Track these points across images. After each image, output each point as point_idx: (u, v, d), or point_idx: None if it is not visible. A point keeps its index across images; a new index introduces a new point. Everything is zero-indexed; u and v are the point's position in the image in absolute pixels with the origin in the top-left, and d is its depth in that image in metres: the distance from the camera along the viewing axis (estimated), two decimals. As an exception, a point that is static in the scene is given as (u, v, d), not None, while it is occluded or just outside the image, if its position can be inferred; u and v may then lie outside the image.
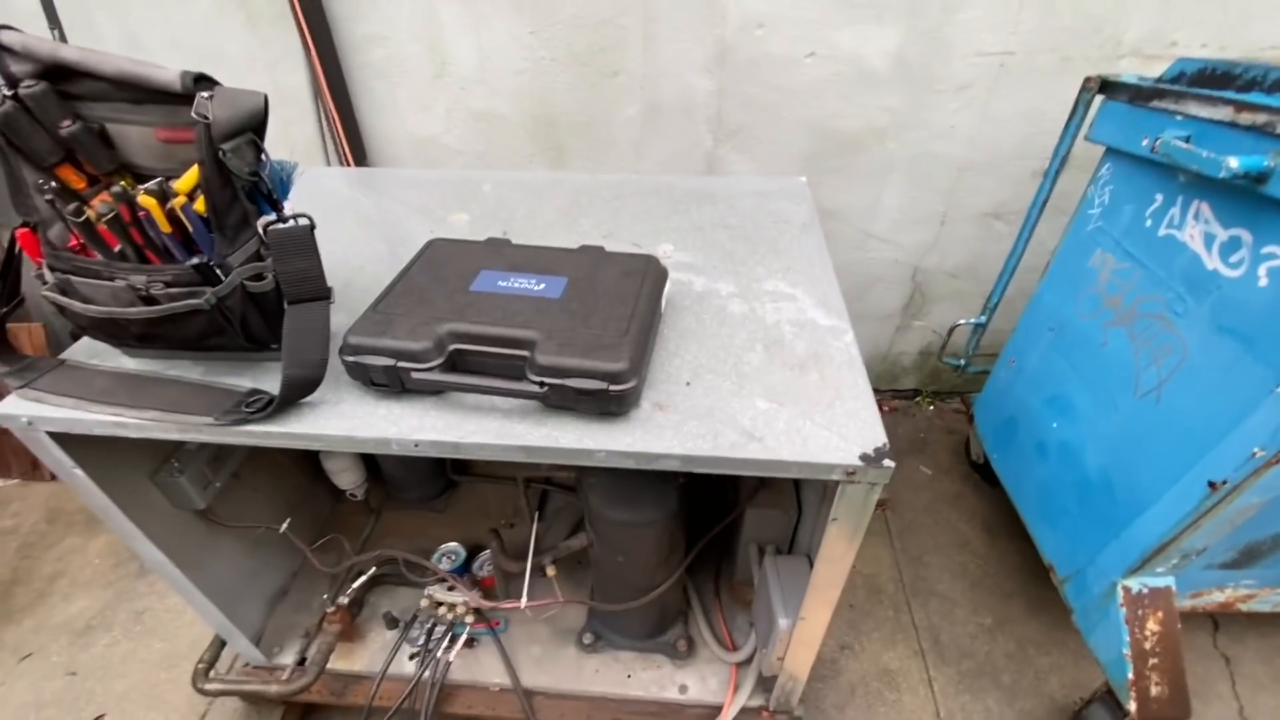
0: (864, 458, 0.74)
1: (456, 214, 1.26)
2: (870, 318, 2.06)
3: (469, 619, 1.33)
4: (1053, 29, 1.49)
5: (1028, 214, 1.51)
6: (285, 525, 1.26)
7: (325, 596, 1.34)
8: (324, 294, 0.81)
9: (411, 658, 1.31)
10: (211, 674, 1.29)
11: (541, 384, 0.76)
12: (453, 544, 1.44)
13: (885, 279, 1.96)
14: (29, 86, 0.72)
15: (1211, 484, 1.07)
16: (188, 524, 1.15)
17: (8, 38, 0.72)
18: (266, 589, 1.40)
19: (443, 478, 1.64)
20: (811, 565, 0.95)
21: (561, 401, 0.78)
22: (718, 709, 1.25)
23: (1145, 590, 1.25)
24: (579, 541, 1.19)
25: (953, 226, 1.83)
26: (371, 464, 1.57)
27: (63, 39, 1.64)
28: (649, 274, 0.91)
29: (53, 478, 2.03)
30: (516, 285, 0.89)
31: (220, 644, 1.31)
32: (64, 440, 0.87)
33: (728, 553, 1.44)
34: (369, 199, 1.34)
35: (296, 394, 0.80)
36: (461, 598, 1.31)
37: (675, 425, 0.79)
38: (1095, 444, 1.36)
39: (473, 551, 1.44)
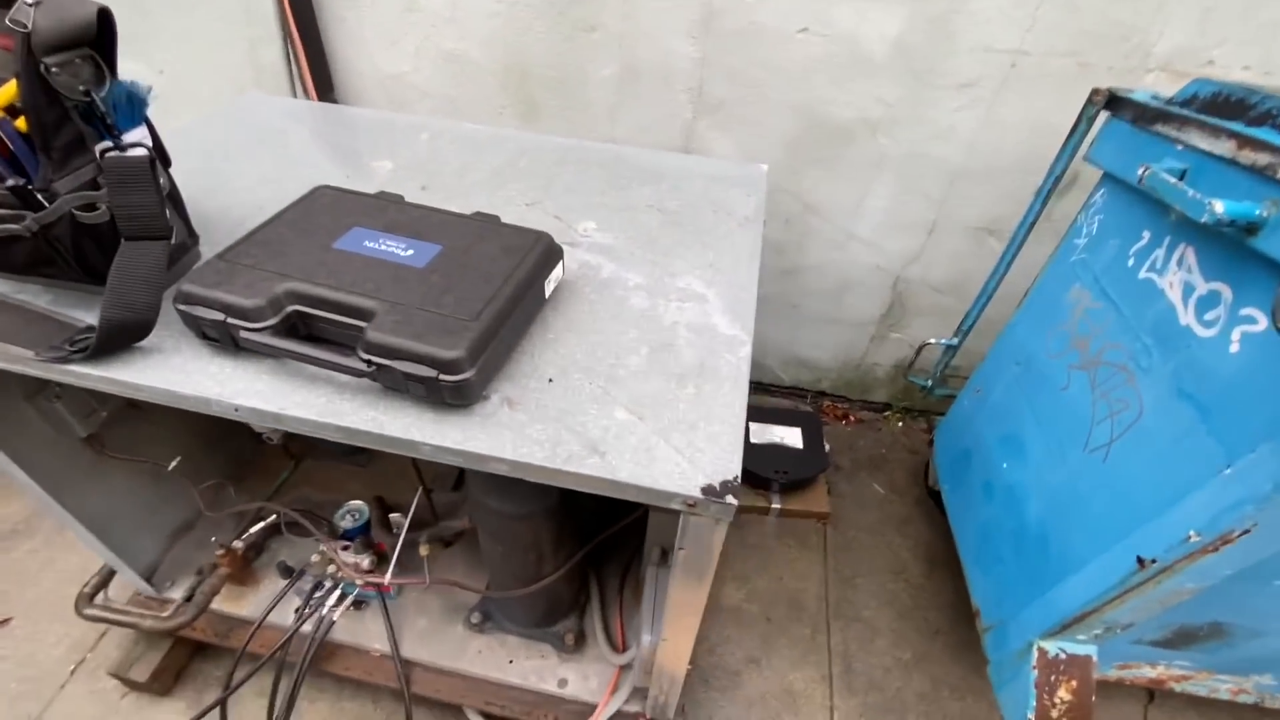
0: (706, 490, 0.66)
1: (381, 161, 1.18)
2: (845, 322, 1.94)
3: (358, 580, 1.30)
4: (1074, 31, 1.33)
5: (1015, 233, 1.38)
6: (174, 463, 1.22)
7: (215, 539, 1.31)
8: (162, 233, 0.74)
9: (296, 610, 1.29)
10: (97, 599, 1.29)
11: (369, 362, 0.70)
12: (359, 503, 1.40)
13: (865, 284, 1.84)
14: None
15: (1140, 560, 0.98)
16: (72, 451, 1.12)
17: None
18: (167, 523, 1.38)
19: (369, 432, 1.60)
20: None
21: (393, 384, 0.72)
22: (593, 708, 1.21)
23: (1062, 656, 1.17)
24: (460, 523, 1.14)
25: (941, 237, 1.70)
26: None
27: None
28: (534, 254, 0.83)
29: None
30: (383, 248, 0.81)
31: (109, 574, 1.30)
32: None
33: (639, 551, 1.39)
34: (300, 135, 1.26)
35: (117, 338, 0.74)
36: (351, 559, 1.28)
37: (518, 427, 0.72)
38: (1039, 493, 1.26)
39: (385, 512, 1.41)
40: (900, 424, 2.12)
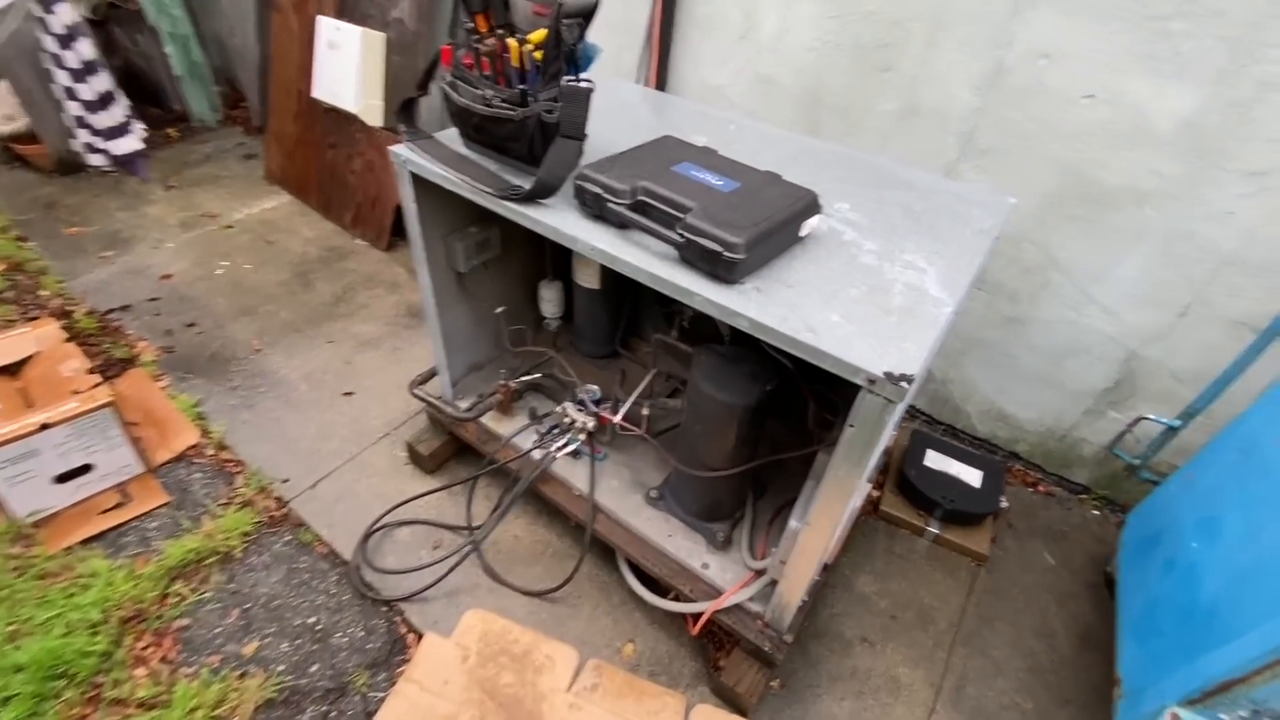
0: (887, 374, 0.90)
1: (699, 135, 1.58)
2: (1062, 387, 1.94)
3: (582, 437, 1.71)
4: (1407, 137, 1.28)
5: (1273, 323, 1.35)
6: (499, 310, 1.75)
7: (502, 372, 1.82)
8: (581, 136, 1.20)
9: (533, 442, 1.74)
10: (421, 387, 1.87)
11: (682, 236, 1.06)
12: (594, 386, 1.82)
13: (1093, 352, 1.84)
14: (483, -38, 1.20)
15: (1305, 631, 0.97)
16: (448, 280, 1.69)
17: (485, -69, 1.20)
18: (472, 356, 1.93)
19: (611, 344, 2.03)
20: (832, 481, 1.11)
21: (691, 257, 1.07)
22: (722, 593, 1.46)
23: (1197, 729, 1.15)
24: (675, 403, 1.48)
25: (1194, 324, 1.65)
26: (568, 312, 2.02)
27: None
28: (800, 202, 1.14)
29: (387, 249, 2.91)
30: (702, 177, 1.18)
31: (432, 373, 1.89)
32: (416, 181, 1.40)
33: (793, 501, 1.61)
34: (647, 110, 1.73)
35: (540, 193, 1.20)
36: (583, 417, 1.69)
37: (761, 304, 1.03)
38: (1222, 572, 1.24)
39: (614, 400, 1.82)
40: (1095, 511, 2.02)
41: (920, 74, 1.75)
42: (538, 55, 1.18)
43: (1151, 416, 1.60)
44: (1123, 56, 1.48)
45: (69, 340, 2.08)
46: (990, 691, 1.57)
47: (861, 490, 1.44)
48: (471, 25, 1.26)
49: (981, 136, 1.73)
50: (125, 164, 3.05)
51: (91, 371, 1.92)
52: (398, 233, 2.88)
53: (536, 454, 1.71)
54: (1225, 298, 1.59)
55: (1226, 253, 1.54)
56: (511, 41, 1.18)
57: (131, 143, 2.98)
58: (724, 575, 1.50)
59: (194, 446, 1.97)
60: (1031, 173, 1.70)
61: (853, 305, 1.04)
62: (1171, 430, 1.57)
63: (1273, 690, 1.03)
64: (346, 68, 2.67)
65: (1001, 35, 1.60)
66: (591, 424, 1.70)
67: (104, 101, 2.85)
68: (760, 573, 1.47)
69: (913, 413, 2.30)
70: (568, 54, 1.19)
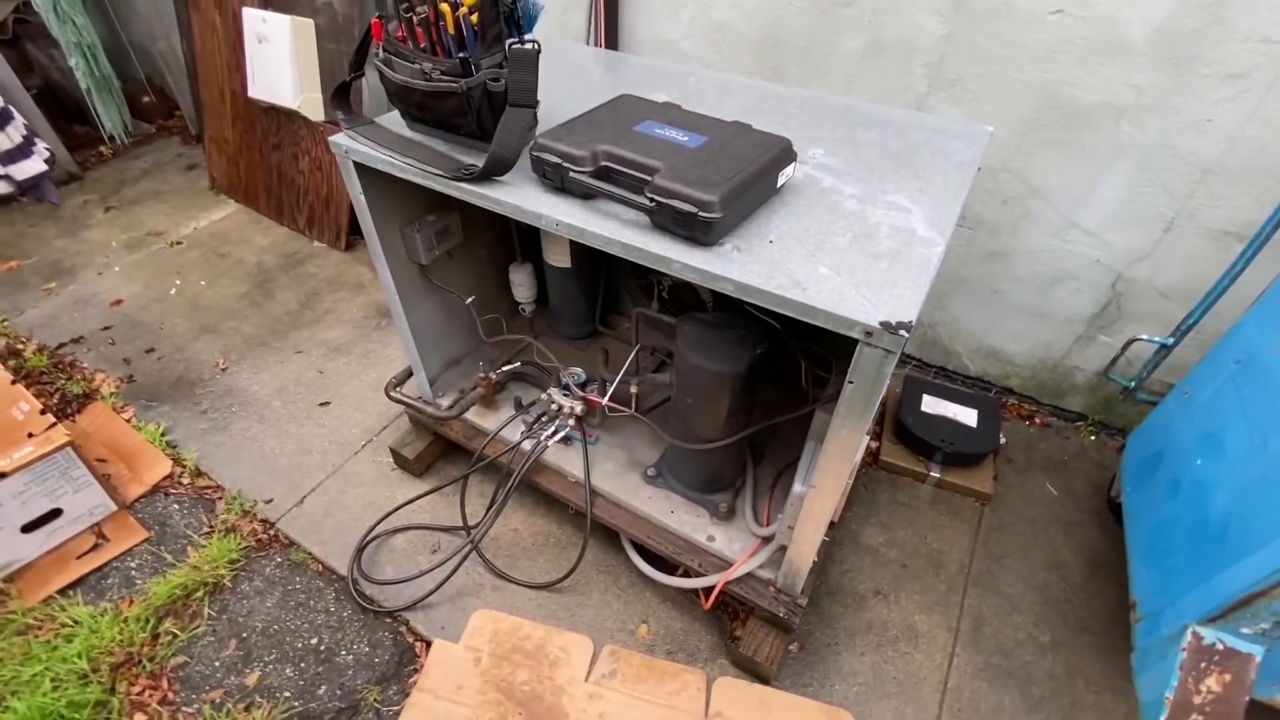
0: (883, 324, 0.85)
1: (658, 92, 1.50)
2: (1050, 317, 1.92)
3: (571, 422, 1.65)
4: (1385, 20, 1.24)
5: (1260, 229, 1.32)
6: (470, 300, 1.67)
7: (481, 364, 1.75)
8: (532, 104, 1.11)
9: (521, 433, 1.68)
10: (398, 390, 1.79)
11: (652, 200, 0.99)
12: (578, 368, 1.76)
13: (1079, 279, 1.81)
14: (403, -79, 1.10)
15: (1325, 538, 0.95)
16: (411, 274, 1.60)
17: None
18: (447, 351, 1.85)
19: (590, 324, 1.96)
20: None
21: (664, 221, 1.00)
22: (731, 564, 1.43)
23: (1219, 646, 1.15)
24: (663, 377, 1.42)
25: (1178, 237, 1.62)
26: (542, 294, 1.94)
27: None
28: (773, 151, 1.07)
29: (347, 249, 2.79)
30: (666, 134, 1.10)
31: (408, 373, 1.81)
32: (361, 171, 1.31)
33: (794, 464, 1.57)
34: (600, 71, 1.63)
35: (493, 170, 1.12)
36: (567, 404, 1.63)
37: (743, 264, 0.97)
38: (1230, 487, 1.22)
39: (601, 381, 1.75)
40: (1093, 437, 2.02)
41: (882, 5, 1.67)
42: (474, 19, 1.08)
43: (1144, 337, 1.58)
44: (1089, -35, 1.42)
45: (15, 382, 1.96)
46: (1007, 628, 1.57)
47: (863, 445, 1.40)
48: (399, -6, 1.16)
49: (950, 66, 1.67)
50: (30, 189, 2.86)
51: (45, 411, 1.81)
52: (356, 231, 2.76)
53: (527, 445, 1.65)
54: (1209, 208, 1.56)
55: (1208, 161, 1.50)
56: (444, 6, 1.08)
57: (34, 165, 2.79)
58: (731, 546, 1.46)
59: (168, 477, 1.88)
60: (1004, 99, 1.64)
61: (840, 255, 0.98)
62: (1165, 348, 1.55)
63: (1293, 600, 1.02)
64: (279, 61, 2.51)
65: (962, -45, 1.52)
66: (579, 408, 1.64)
67: (-3, 122, 2.66)
68: (768, 539, 1.43)
69: (904, 359, 2.27)
70: (507, 14, 1.10)
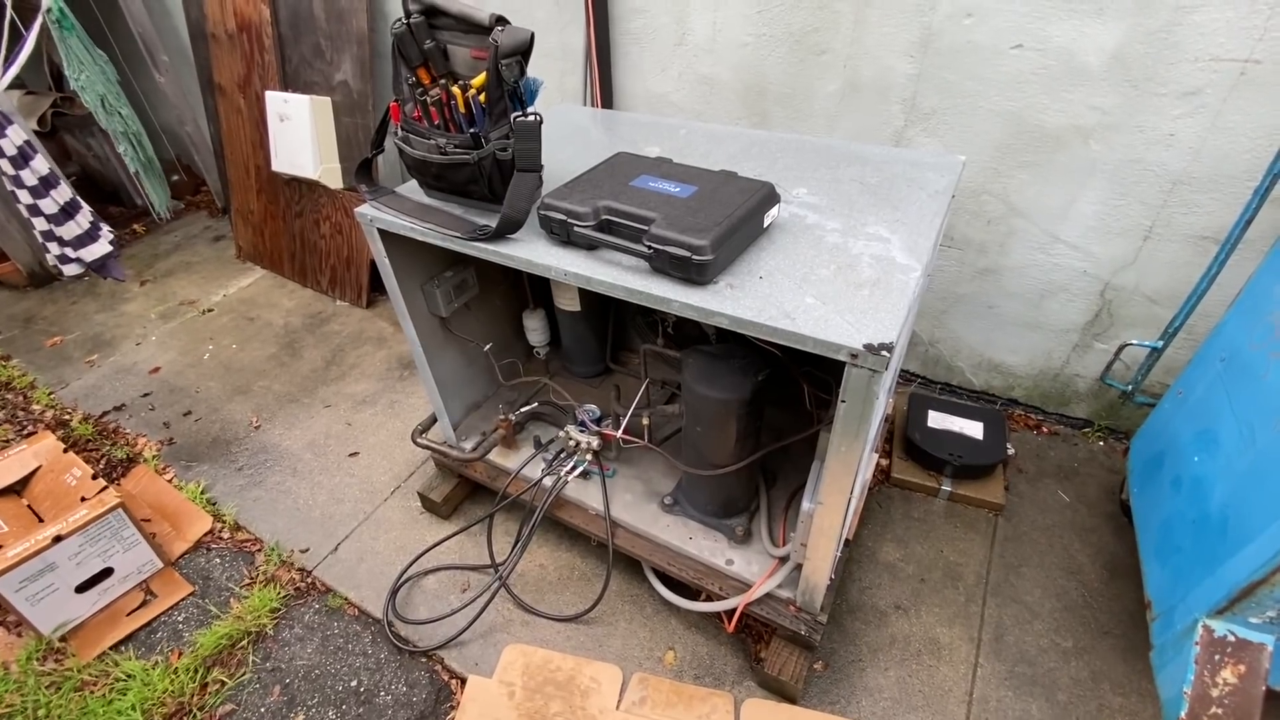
0: (867, 346, 0.93)
1: (652, 146, 1.62)
2: (1045, 328, 1.98)
3: (589, 458, 1.73)
4: (1322, 35, 1.33)
5: (1230, 231, 1.39)
6: (487, 347, 1.77)
7: (501, 406, 1.84)
8: (537, 168, 1.23)
9: (541, 470, 1.76)
10: (424, 436, 1.89)
11: (650, 247, 1.09)
12: (592, 405, 1.85)
13: (1069, 290, 1.88)
14: (415, 18, 1.24)
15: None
16: (433, 326, 1.71)
17: (412, -12, 1.24)
18: (468, 397, 1.95)
19: (602, 362, 2.06)
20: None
21: (662, 265, 1.10)
22: (751, 586, 1.48)
23: (1231, 637, 1.18)
24: (673, 408, 1.50)
25: (1158, 244, 1.69)
26: (555, 337, 2.05)
27: None
28: (758, 195, 1.17)
29: (368, 306, 2.93)
30: (660, 187, 1.21)
31: (432, 420, 1.90)
32: (385, 236, 1.43)
33: (803, 485, 1.63)
34: (598, 130, 1.77)
35: (506, 229, 1.23)
36: (586, 438, 1.71)
37: (736, 299, 1.06)
38: (1225, 480, 1.26)
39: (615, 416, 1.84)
40: (1101, 442, 2.06)
41: (854, 51, 1.79)
42: (482, 98, 1.21)
43: (1134, 341, 1.63)
44: (1042, 3, 1.53)
45: (67, 450, 2.09)
46: (1029, 636, 1.59)
47: (869, 461, 1.46)
48: (414, 79, 1.30)
49: (924, 101, 1.78)
50: (99, 269, 3.08)
51: (95, 476, 1.93)
52: (376, 288, 2.90)
53: (548, 481, 1.73)
54: (1184, 215, 1.63)
55: (1176, 172, 1.58)
56: (455, 89, 1.21)
57: (101, 247, 3.01)
58: (750, 568, 1.52)
59: (209, 532, 1.97)
60: (978, 128, 1.75)
61: (825, 285, 1.07)
62: (1155, 351, 1.61)
63: (1293, 586, 1.06)
64: (300, 136, 2.70)
65: (924, 1, 1.65)
66: (596, 443, 1.72)
67: (68, 212, 2.88)
68: (784, 559, 1.49)
69: (908, 376, 2.33)
70: (511, 91, 1.22)
